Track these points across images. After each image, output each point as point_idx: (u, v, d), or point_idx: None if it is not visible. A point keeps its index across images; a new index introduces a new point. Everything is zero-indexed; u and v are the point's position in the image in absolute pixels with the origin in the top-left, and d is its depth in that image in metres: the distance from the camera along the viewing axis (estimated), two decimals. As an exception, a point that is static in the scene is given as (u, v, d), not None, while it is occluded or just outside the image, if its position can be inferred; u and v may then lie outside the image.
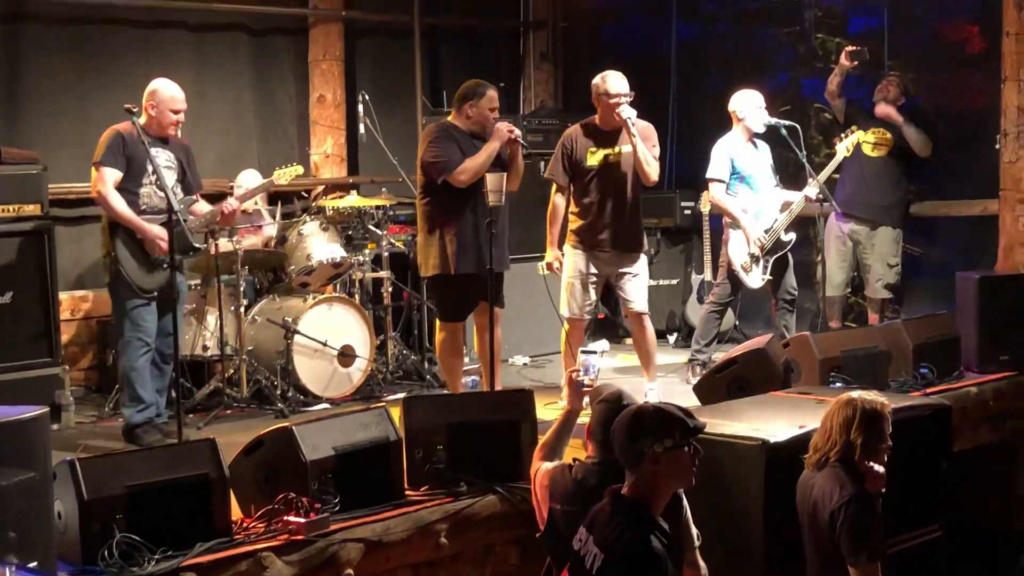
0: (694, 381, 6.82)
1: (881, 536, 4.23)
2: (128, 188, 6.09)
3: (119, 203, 6.04)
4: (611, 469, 3.90)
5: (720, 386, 5.89)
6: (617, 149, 6.66)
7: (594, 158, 6.67)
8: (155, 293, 6.15)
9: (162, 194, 5.88)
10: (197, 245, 6.31)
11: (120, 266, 6.07)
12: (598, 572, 3.60)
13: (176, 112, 6.20)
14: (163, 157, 6.16)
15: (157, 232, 6.01)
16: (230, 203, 6.45)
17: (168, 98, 6.19)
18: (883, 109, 7.93)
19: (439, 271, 6.35)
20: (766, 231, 7.34)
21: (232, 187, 7.80)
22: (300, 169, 7.03)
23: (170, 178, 6.13)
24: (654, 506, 3.67)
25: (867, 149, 7.89)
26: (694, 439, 3.70)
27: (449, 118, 6.50)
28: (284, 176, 6.94)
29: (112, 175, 6.04)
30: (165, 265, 5.98)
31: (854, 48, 7.92)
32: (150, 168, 5.99)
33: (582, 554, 3.67)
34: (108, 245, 6.15)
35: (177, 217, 5.73)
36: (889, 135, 7.93)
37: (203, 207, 6.46)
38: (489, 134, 6.34)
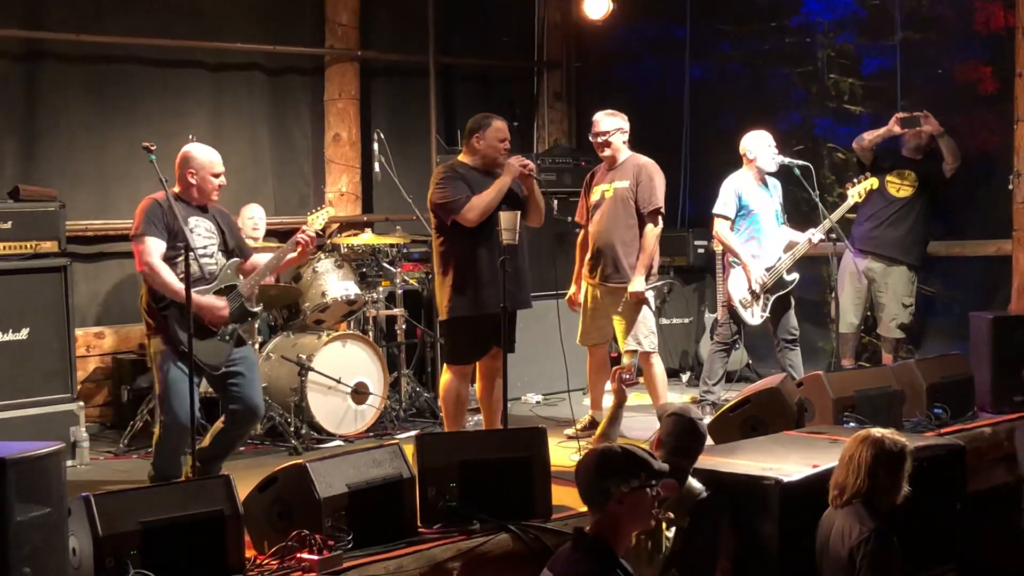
0: (706, 420, 6.80)
1: (901, 573, 4.22)
2: (167, 258, 5.56)
3: (171, 276, 5.49)
4: (674, 473, 4.13)
5: (734, 425, 5.90)
6: (611, 185, 6.87)
7: (596, 193, 6.92)
8: (221, 369, 5.68)
9: (205, 261, 5.52)
10: (254, 309, 5.87)
11: (182, 345, 5.42)
12: None
13: (217, 175, 5.71)
14: (203, 226, 5.70)
15: (213, 302, 5.59)
16: (302, 236, 5.77)
17: (207, 163, 5.68)
18: (928, 125, 7.75)
19: (453, 314, 6.18)
20: (767, 269, 7.36)
21: (248, 223, 7.84)
22: (332, 210, 6.15)
23: (211, 247, 5.72)
24: (616, 545, 3.74)
25: (892, 189, 7.84)
26: (657, 482, 3.77)
27: (460, 156, 6.37)
28: (317, 220, 6.20)
29: (158, 246, 5.52)
30: (227, 337, 5.66)
31: (906, 115, 7.79)
32: (190, 236, 5.48)
33: None
34: (156, 325, 5.60)
35: (232, 285, 5.67)
36: (913, 175, 7.88)
37: (259, 260, 5.96)
38: (501, 167, 6.18)
